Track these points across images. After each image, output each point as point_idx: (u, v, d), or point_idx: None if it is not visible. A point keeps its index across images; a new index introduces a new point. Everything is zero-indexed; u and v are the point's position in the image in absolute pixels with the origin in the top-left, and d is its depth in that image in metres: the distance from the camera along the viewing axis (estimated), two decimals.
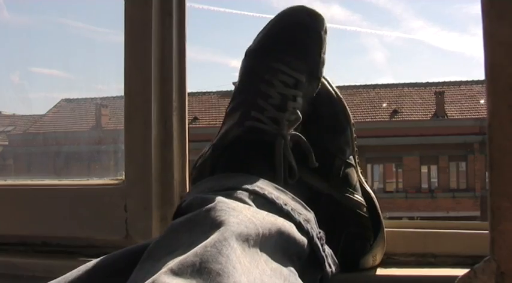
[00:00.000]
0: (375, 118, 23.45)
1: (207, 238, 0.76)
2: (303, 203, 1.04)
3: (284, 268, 0.86)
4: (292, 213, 0.98)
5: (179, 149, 1.45)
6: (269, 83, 1.17)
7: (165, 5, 1.45)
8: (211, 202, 0.87)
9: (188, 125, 1.46)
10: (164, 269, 0.70)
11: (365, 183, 1.30)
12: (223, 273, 0.71)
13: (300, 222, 0.97)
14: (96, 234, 1.46)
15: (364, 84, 25.29)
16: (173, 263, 0.71)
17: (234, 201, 0.90)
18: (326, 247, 1.02)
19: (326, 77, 1.28)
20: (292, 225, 0.94)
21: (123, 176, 1.46)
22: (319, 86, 1.25)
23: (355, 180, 1.26)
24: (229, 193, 0.95)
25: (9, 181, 1.70)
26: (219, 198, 0.89)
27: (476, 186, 23.68)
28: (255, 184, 1.00)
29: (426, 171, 24.49)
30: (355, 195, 1.24)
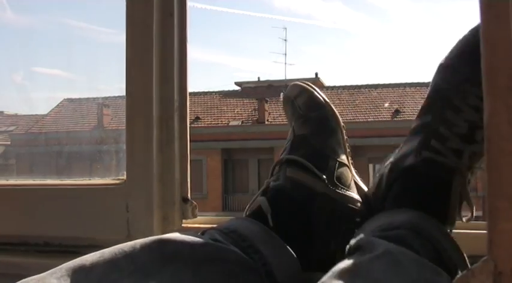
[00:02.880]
0: (377, 118, 23.41)
1: None
2: (466, 260, 0.99)
3: None
4: (454, 271, 0.94)
5: (180, 149, 1.46)
6: (456, 109, 1.06)
7: (166, 5, 1.46)
8: (377, 251, 0.88)
9: (189, 124, 1.46)
10: None
11: (360, 181, 1.31)
12: None
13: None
14: (98, 233, 1.46)
15: (366, 83, 25.29)
16: None
17: (400, 251, 0.89)
18: None
19: (309, 84, 1.33)
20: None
21: (125, 176, 1.46)
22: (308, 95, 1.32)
23: (349, 179, 1.27)
24: (399, 237, 0.94)
25: (11, 181, 1.71)
26: (386, 248, 0.89)
27: (478, 186, 23.60)
28: (426, 228, 0.98)
29: None
30: (350, 193, 1.24)
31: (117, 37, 1.52)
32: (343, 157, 1.29)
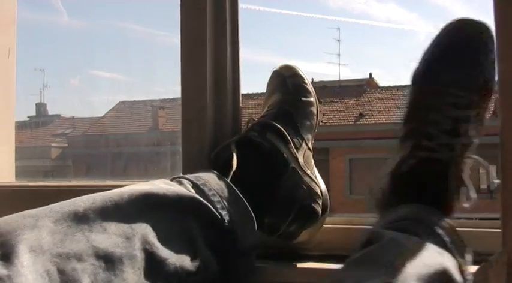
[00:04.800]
0: None
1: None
2: (467, 246, 1.07)
3: None
4: (456, 254, 1.02)
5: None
6: (438, 109, 1.15)
7: (219, 14, 1.51)
8: (383, 240, 0.98)
9: (243, 126, 1.51)
10: None
11: (317, 172, 1.39)
12: None
13: (460, 263, 1.01)
14: None
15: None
16: None
17: (404, 237, 0.99)
18: None
19: (302, 71, 1.45)
20: (454, 263, 0.99)
21: None
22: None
23: (311, 166, 1.36)
24: (404, 226, 1.04)
25: (71, 183, 1.77)
26: (391, 236, 0.99)
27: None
28: (429, 218, 1.07)
29: (485, 171, 24.01)
30: (313, 177, 1.34)
31: (172, 39, 1.56)
32: (310, 145, 1.39)
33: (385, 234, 1.00)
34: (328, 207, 1.34)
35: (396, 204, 1.14)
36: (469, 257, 1.03)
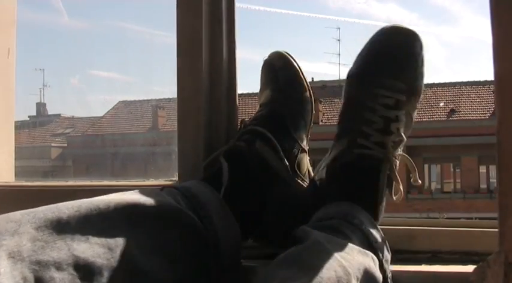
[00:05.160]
0: (432, 117, 23.12)
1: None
2: (387, 244, 1.15)
3: None
4: (379, 252, 1.09)
5: None
6: (371, 109, 1.23)
7: (214, 13, 1.51)
8: (307, 241, 1.02)
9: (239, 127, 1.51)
10: None
11: (311, 169, 1.41)
12: None
13: (382, 261, 1.09)
14: None
15: None
16: None
17: (327, 239, 1.03)
18: None
19: (295, 59, 1.43)
20: (376, 262, 1.06)
21: (176, 177, 1.52)
22: (297, 75, 1.41)
23: (305, 167, 1.38)
24: (332, 225, 1.09)
25: (70, 182, 1.77)
26: (315, 237, 1.03)
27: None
28: (357, 216, 1.13)
29: (485, 171, 24.01)
30: (305, 184, 1.35)
31: (170, 39, 1.56)
32: (305, 143, 1.39)
33: (311, 235, 1.03)
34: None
35: (331, 196, 1.20)
36: (388, 255, 1.13)
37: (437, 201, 22.78)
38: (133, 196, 1.05)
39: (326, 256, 0.95)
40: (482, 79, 24.36)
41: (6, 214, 0.89)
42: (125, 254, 0.94)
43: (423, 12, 41.17)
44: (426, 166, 24.03)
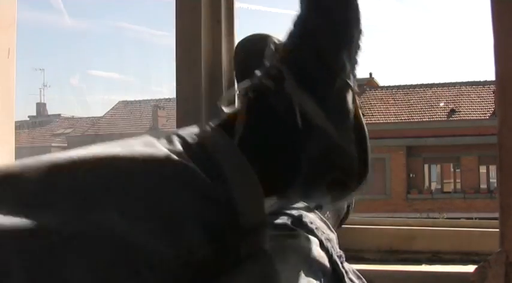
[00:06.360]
0: (432, 118, 23.13)
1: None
2: (329, 224, 1.11)
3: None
4: (316, 231, 1.05)
5: None
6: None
7: (213, 13, 1.51)
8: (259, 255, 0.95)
9: None
10: None
11: (360, 111, 1.04)
12: None
13: (322, 240, 1.04)
14: None
15: (421, 83, 24.98)
16: None
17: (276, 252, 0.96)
18: (346, 264, 1.07)
19: None
20: (316, 242, 1.02)
21: None
22: None
23: (351, 107, 1.02)
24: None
25: None
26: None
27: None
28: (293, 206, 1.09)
29: (485, 171, 24.02)
30: (349, 132, 1.01)
31: (169, 39, 1.57)
32: (350, 76, 1.02)
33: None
34: (368, 164, 1.03)
35: None
36: (329, 236, 1.06)
37: (437, 201, 22.80)
38: (115, 150, 0.84)
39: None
40: (482, 79, 24.39)
41: None
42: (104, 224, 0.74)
43: (423, 12, 41.17)
44: (426, 166, 24.04)
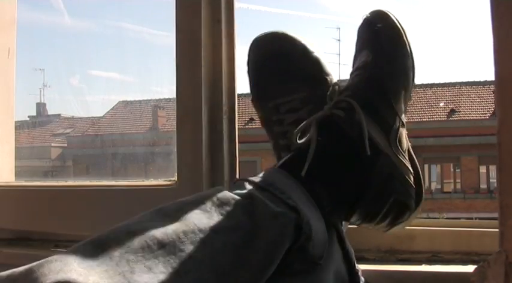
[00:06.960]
0: (432, 118, 23.05)
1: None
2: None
3: None
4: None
5: (229, 151, 1.50)
6: (279, 122, 1.25)
7: (213, 12, 1.51)
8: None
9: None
10: None
11: (411, 149, 1.22)
12: None
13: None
14: None
15: (420, 83, 24.92)
16: None
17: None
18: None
19: (401, 25, 1.22)
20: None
21: (176, 177, 1.52)
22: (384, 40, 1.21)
23: (405, 144, 1.19)
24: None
25: (70, 182, 1.77)
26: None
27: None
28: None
29: (485, 171, 23.98)
30: (406, 161, 1.17)
31: (169, 39, 1.56)
32: (403, 116, 1.20)
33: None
34: (423, 193, 1.20)
35: None
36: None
37: (437, 201, 22.74)
38: (201, 218, 0.96)
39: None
40: (482, 79, 24.31)
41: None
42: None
43: (423, 12, 41.11)
44: (426, 166, 23.97)
